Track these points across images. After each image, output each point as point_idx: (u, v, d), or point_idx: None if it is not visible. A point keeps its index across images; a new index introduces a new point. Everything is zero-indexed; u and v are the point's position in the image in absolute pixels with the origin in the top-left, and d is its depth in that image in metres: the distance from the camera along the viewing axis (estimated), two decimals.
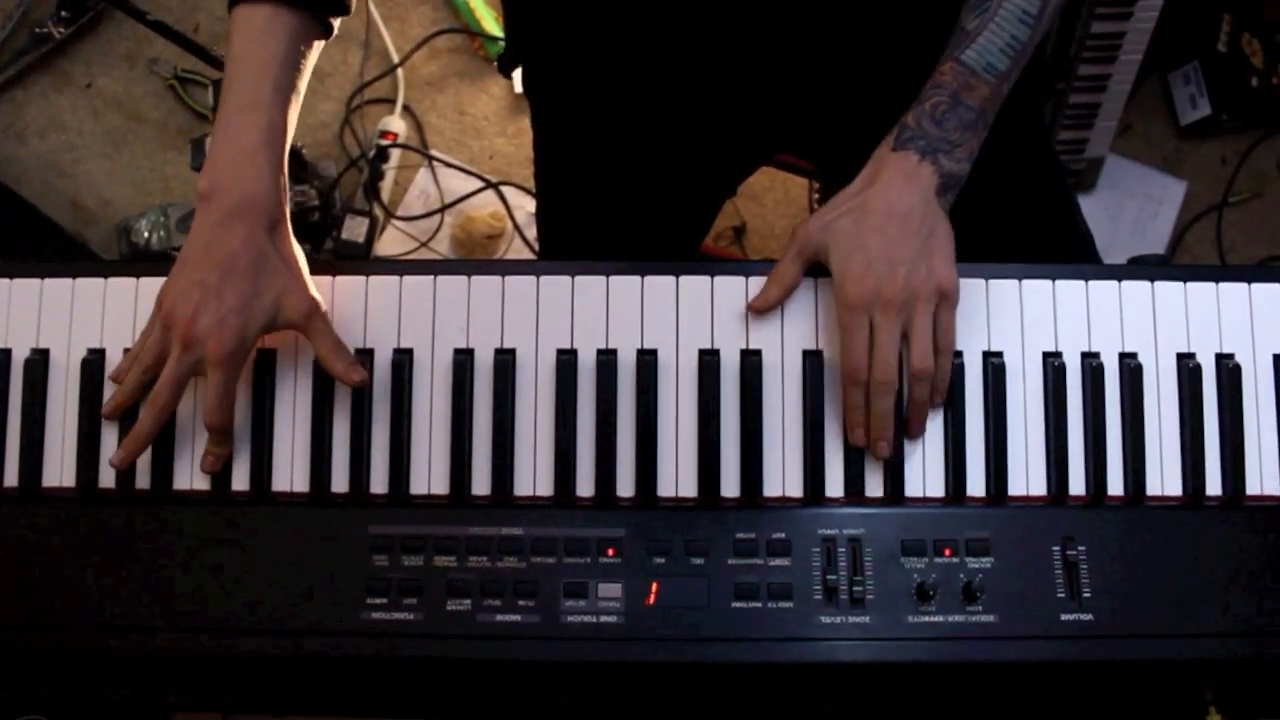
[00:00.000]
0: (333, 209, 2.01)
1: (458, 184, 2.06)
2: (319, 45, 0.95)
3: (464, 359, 0.89)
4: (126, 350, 0.90)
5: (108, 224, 2.07)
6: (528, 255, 2.02)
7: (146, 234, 1.99)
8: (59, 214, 2.05)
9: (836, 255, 0.86)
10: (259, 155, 0.87)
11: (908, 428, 0.87)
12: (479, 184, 2.05)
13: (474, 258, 2.01)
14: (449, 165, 2.08)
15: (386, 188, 2.06)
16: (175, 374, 0.85)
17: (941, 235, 0.86)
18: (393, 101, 2.12)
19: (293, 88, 0.91)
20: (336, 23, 0.96)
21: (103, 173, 2.10)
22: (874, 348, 0.84)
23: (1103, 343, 0.89)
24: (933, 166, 0.87)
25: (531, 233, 2.01)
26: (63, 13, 2.11)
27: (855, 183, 0.89)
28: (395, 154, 2.08)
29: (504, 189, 2.04)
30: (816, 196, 1.60)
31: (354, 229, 1.98)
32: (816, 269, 0.89)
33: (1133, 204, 2.00)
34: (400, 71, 2.12)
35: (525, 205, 2.04)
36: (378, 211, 2.04)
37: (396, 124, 2.09)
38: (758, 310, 0.88)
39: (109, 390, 0.90)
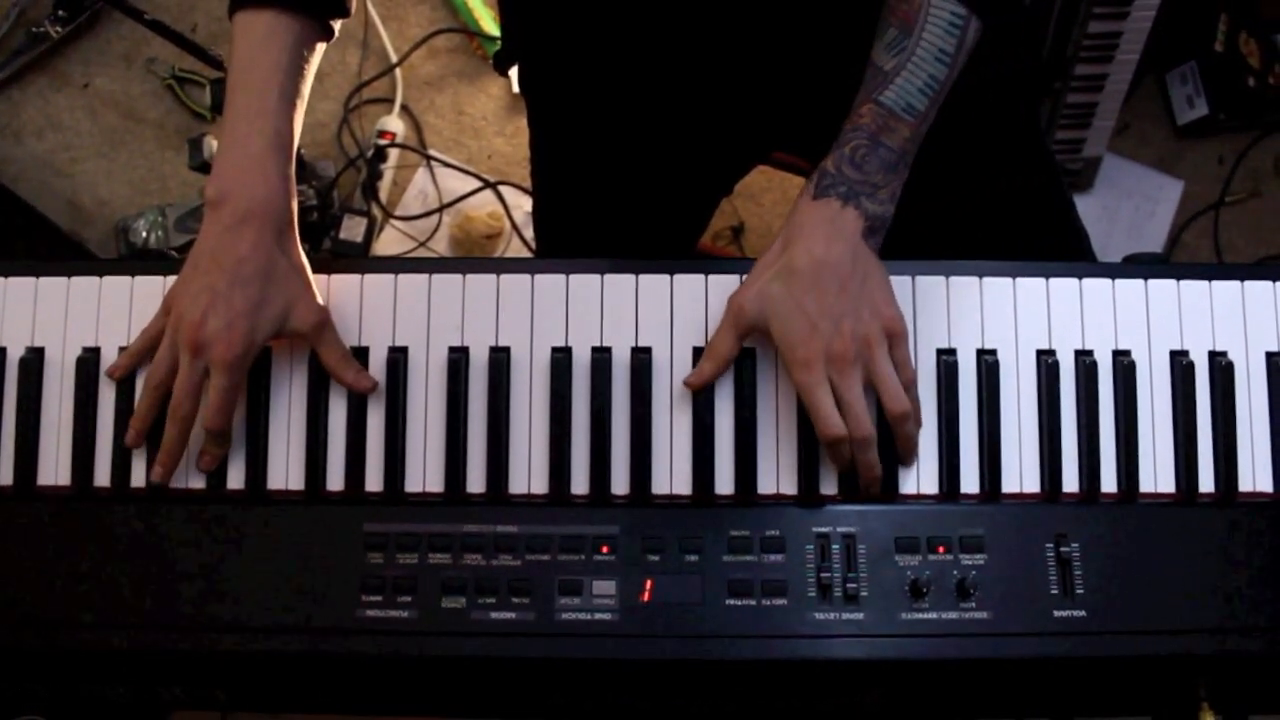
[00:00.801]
0: (331, 209, 2.01)
1: (456, 184, 2.06)
2: (321, 48, 0.95)
3: (459, 357, 0.89)
4: (123, 349, 0.90)
5: (105, 224, 2.07)
6: (526, 254, 2.02)
7: (144, 234, 1.99)
8: (56, 214, 2.05)
9: (776, 323, 0.84)
10: (267, 161, 0.88)
11: (902, 459, 0.87)
12: (477, 184, 2.05)
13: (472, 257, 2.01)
14: (447, 165, 2.08)
15: (385, 187, 2.06)
16: (189, 381, 0.86)
17: (877, 277, 0.85)
18: (391, 101, 2.12)
19: (297, 92, 0.91)
20: (337, 25, 0.96)
21: (100, 172, 2.10)
22: (842, 406, 0.83)
23: (1096, 340, 0.89)
24: (856, 211, 0.85)
25: (529, 232, 2.01)
26: (60, 12, 2.11)
27: (777, 241, 0.87)
28: (393, 154, 2.08)
29: (502, 189, 2.04)
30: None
31: (352, 229, 1.98)
32: None
33: (1130, 203, 2.00)
34: (398, 71, 2.12)
35: (523, 205, 2.04)
36: (376, 211, 2.04)
37: (395, 124, 2.09)
38: (692, 387, 0.87)
39: (104, 389, 0.90)
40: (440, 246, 2.03)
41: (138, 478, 0.89)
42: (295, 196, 0.90)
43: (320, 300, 0.89)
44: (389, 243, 2.04)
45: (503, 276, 0.90)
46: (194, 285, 0.86)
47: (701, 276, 0.90)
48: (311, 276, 0.89)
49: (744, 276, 0.89)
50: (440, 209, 2.04)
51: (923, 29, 0.86)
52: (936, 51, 0.86)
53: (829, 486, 0.87)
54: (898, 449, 0.86)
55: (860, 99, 0.88)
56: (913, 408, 0.85)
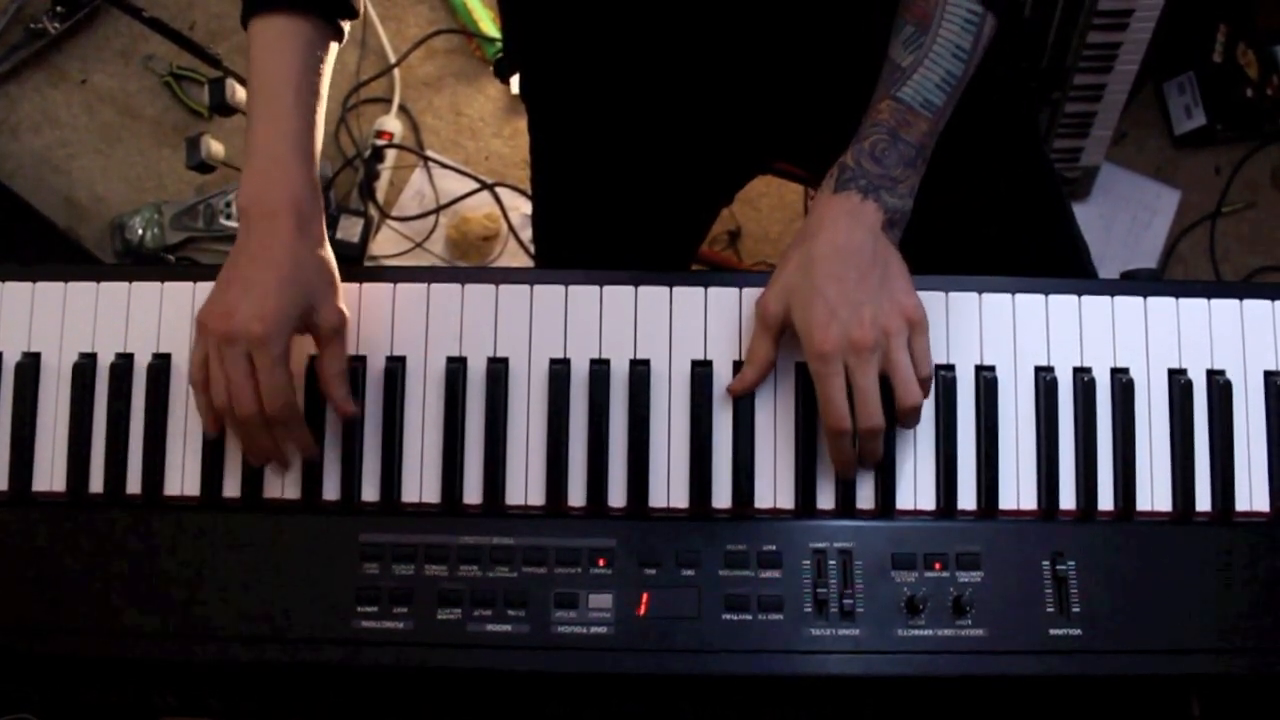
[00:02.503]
0: (328, 209, 2.00)
1: (453, 185, 2.06)
2: (334, 48, 0.96)
3: (457, 367, 0.89)
4: (120, 355, 0.90)
5: (101, 221, 2.06)
6: (523, 257, 2.02)
7: (140, 231, 1.99)
8: (52, 210, 2.04)
9: (797, 311, 0.84)
10: (290, 162, 0.88)
11: (869, 455, 0.86)
12: (474, 185, 2.05)
13: (469, 259, 2.01)
14: (444, 166, 2.07)
15: (382, 188, 2.06)
16: (238, 373, 0.83)
17: (896, 266, 0.85)
18: (389, 101, 2.11)
19: (314, 93, 0.92)
20: (347, 26, 0.97)
21: (97, 169, 2.10)
22: (855, 393, 0.82)
23: (1094, 357, 0.89)
24: (876, 204, 0.86)
25: (526, 234, 2.01)
26: (58, 8, 2.11)
27: (797, 236, 0.88)
28: (391, 154, 2.07)
29: (499, 190, 2.04)
30: (811, 203, 1.60)
31: (349, 229, 1.98)
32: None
33: (1127, 213, 2.00)
34: (397, 71, 2.12)
35: (520, 207, 2.04)
36: (373, 211, 2.03)
37: (392, 124, 2.09)
38: (735, 393, 0.87)
39: (100, 394, 0.90)
40: (437, 247, 2.03)
41: (132, 484, 0.89)
42: (321, 195, 0.89)
43: (344, 306, 0.88)
44: (385, 243, 2.03)
45: (502, 287, 0.90)
46: (225, 285, 0.85)
47: (701, 289, 0.90)
48: (338, 279, 0.89)
49: (745, 290, 0.89)
50: (437, 210, 2.04)
51: (940, 25, 0.87)
52: (953, 48, 0.87)
53: (826, 501, 0.87)
54: (864, 447, 0.85)
55: (878, 95, 0.89)
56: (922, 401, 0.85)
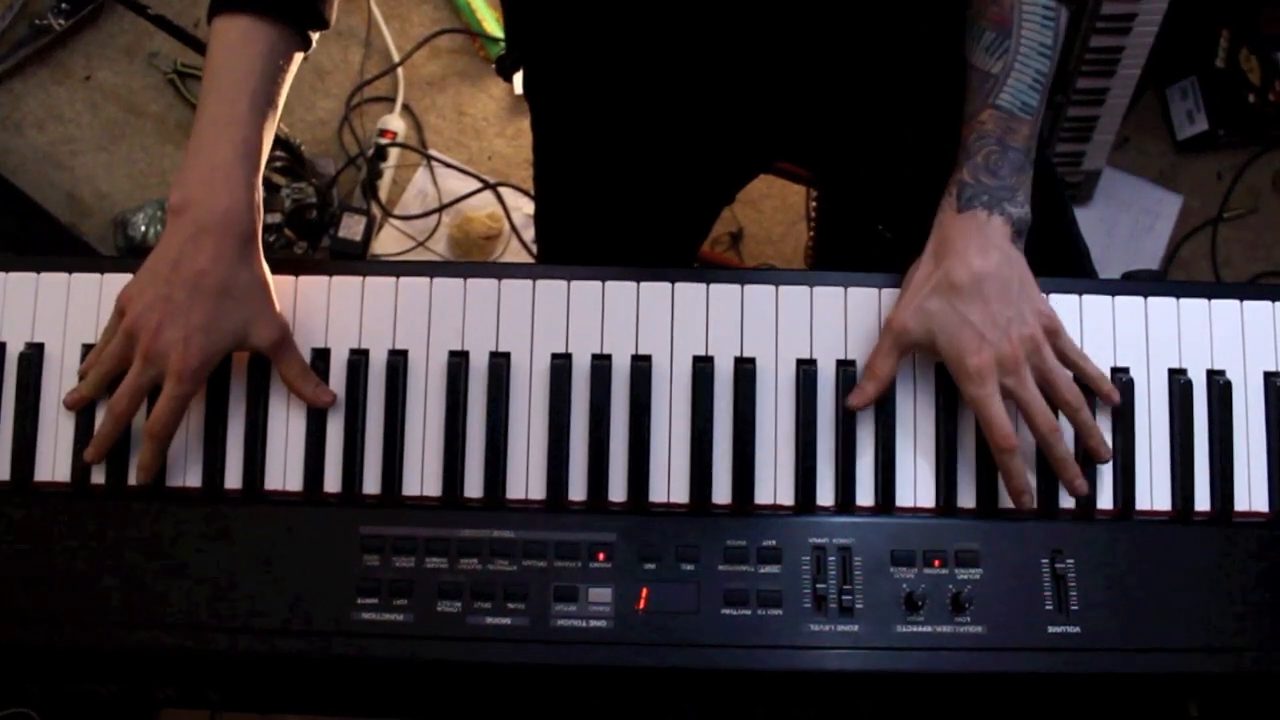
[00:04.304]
0: (330, 206, 2.01)
1: (456, 184, 2.07)
2: (298, 58, 0.94)
3: (459, 361, 0.89)
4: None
5: (104, 217, 2.06)
6: (525, 256, 2.02)
7: (143, 228, 1.99)
8: (55, 206, 2.04)
9: (942, 338, 0.84)
10: (233, 172, 0.86)
11: (1096, 454, 0.86)
12: (477, 184, 2.05)
13: (471, 258, 2.01)
14: (447, 165, 2.08)
15: (384, 186, 2.06)
16: (135, 385, 0.85)
17: (1028, 275, 0.86)
18: (392, 100, 2.12)
19: (270, 102, 0.90)
20: (315, 36, 0.95)
21: (100, 165, 2.10)
22: (1024, 406, 0.84)
23: (1095, 357, 0.89)
24: (1002, 218, 0.86)
25: (529, 234, 2.01)
26: (63, 5, 2.11)
27: (926, 257, 0.88)
28: (394, 153, 2.08)
29: (502, 190, 2.04)
30: (814, 205, 1.60)
31: (351, 227, 1.98)
32: (816, 276, 0.90)
33: (1128, 217, 2.00)
34: (400, 70, 2.12)
35: (523, 206, 2.04)
36: (375, 210, 2.04)
37: (396, 123, 2.09)
38: (854, 407, 0.87)
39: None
40: (439, 247, 2.03)
41: (134, 475, 0.89)
42: (260, 208, 0.88)
43: (281, 318, 0.88)
44: (388, 242, 2.04)
45: (504, 282, 0.90)
46: (152, 292, 0.85)
47: (703, 286, 0.90)
48: (273, 290, 0.88)
49: (746, 287, 0.89)
50: (440, 209, 2.04)
51: (1020, 26, 0.88)
52: (1038, 46, 0.88)
53: (826, 497, 0.87)
54: (1088, 445, 0.86)
55: (976, 106, 0.90)
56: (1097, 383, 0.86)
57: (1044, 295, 0.87)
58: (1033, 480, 0.87)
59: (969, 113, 0.90)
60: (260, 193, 0.89)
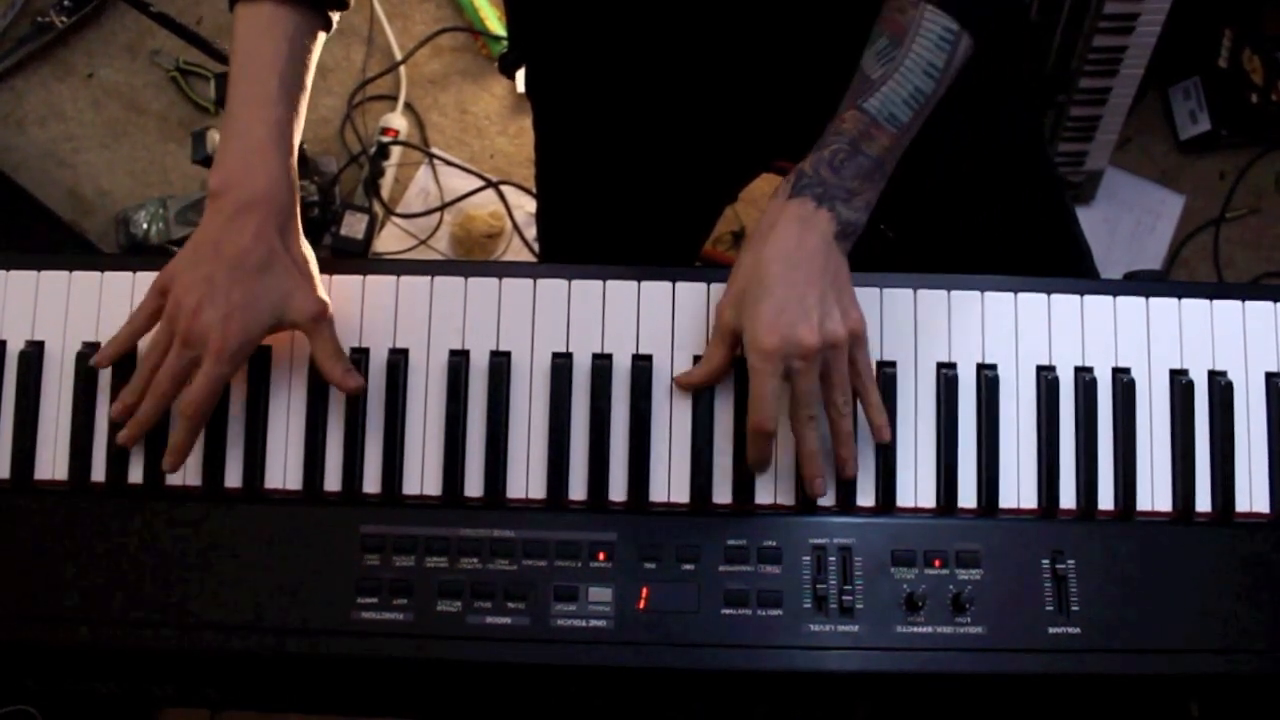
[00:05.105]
0: (332, 205, 2.01)
1: (458, 182, 2.06)
2: (321, 38, 0.95)
3: (459, 360, 0.89)
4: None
5: (106, 214, 2.06)
6: (527, 255, 2.02)
7: (145, 225, 1.99)
8: (57, 203, 2.04)
9: (746, 310, 0.83)
10: (269, 151, 0.87)
11: (843, 467, 0.86)
12: (479, 183, 2.05)
13: (473, 257, 2.01)
14: (449, 163, 2.08)
15: (386, 185, 2.06)
16: (176, 367, 0.85)
17: (845, 276, 0.85)
18: (395, 98, 2.12)
19: (299, 83, 0.91)
20: (336, 16, 0.96)
21: (102, 163, 2.10)
22: (796, 395, 0.83)
23: (1096, 357, 0.89)
24: (830, 213, 0.85)
25: (531, 232, 2.01)
26: (65, 2, 2.11)
27: (748, 239, 0.87)
28: (396, 151, 2.07)
29: (504, 188, 2.04)
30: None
31: (353, 225, 1.98)
32: None
33: (1130, 217, 2.00)
34: (403, 69, 2.12)
35: (525, 205, 2.04)
36: (377, 208, 2.04)
37: (398, 121, 2.09)
38: (681, 385, 0.88)
39: (104, 384, 0.90)
40: (441, 245, 2.03)
41: (135, 474, 0.89)
42: (298, 187, 0.89)
43: (323, 295, 0.88)
44: (390, 240, 2.03)
45: (505, 281, 0.90)
46: (192, 274, 0.85)
47: (704, 285, 0.90)
48: (315, 268, 0.89)
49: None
50: (442, 207, 2.04)
51: (913, 41, 0.86)
52: (925, 65, 0.86)
53: (827, 498, 0.87)
54: (838, 453, 0.85)
55: (845, 104, 0.88)
56: (871, 411, 0.85)
57: (856, 300, 0.85)
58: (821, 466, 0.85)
59: (838, 110, 0.89)
60: (296, 171, 0.89)
